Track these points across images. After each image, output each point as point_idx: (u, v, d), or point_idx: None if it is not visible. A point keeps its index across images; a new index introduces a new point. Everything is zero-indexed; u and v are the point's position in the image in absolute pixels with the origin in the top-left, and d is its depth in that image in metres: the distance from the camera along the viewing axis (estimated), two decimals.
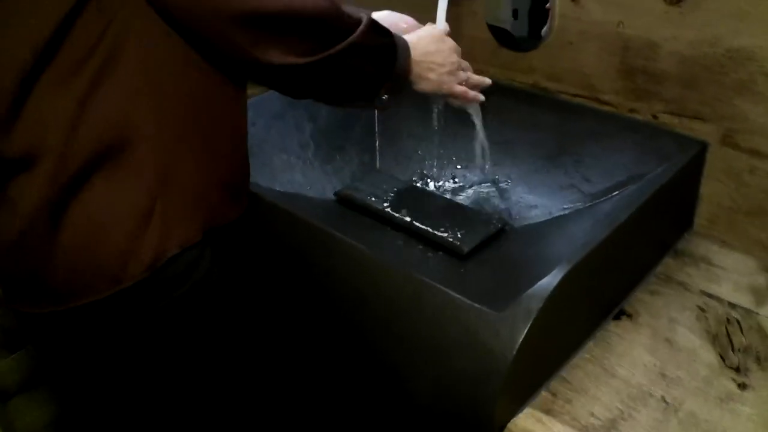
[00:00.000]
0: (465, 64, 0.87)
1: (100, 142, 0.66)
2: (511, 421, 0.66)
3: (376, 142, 1.07)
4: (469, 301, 0.65)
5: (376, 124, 1.08)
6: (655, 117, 0.92)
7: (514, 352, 0.61)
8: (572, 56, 0.96)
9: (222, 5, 0.65)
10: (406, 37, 0.80)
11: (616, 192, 0.87)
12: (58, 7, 0.63)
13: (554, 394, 0.69)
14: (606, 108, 0.96)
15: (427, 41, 0.82)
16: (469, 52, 0.91)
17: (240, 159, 0.79)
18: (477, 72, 0.87)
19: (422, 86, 0.82)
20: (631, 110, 0.93)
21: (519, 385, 0.66)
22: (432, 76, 0.82)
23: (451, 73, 0.83)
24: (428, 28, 0.85)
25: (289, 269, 0.83)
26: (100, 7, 0.64)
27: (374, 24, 0.73)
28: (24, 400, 1.43)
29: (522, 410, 0.67)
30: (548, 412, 0.67)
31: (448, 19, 0.88)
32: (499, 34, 1.03)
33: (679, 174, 0.84)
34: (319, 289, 0.80)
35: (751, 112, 0.83)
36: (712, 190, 0.90)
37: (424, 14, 0.89)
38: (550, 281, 0.64)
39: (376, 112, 1.08)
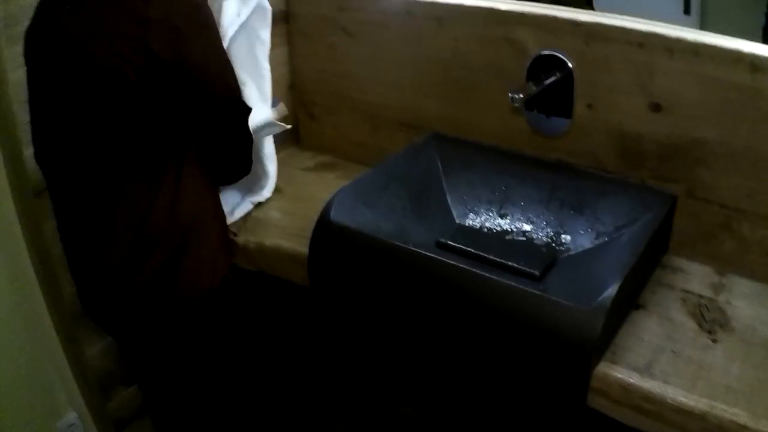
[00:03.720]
0: None
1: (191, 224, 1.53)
2: (595, 369, 1.40)
3: (448, 204, 1.81)
4: (569, 303, 1.38)
5: (447, 195, 1.82)
6: (643, 180, 1.66)
7: (600, 329, 1.33)
8: (586, 141, 1.69)
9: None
10: None
11: (623, 230, 1.62)
12: None
13: (613, 353, 1.42)
14: (610, 175, 1.68)
15: None
16: (509, 136, 1.68)
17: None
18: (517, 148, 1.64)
19: None
20: (627, 176, 1.67)
21: (600, 348, 1.40)
22: None
23: None
24: None
25: (427, 293, 1.54)
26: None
27: None
28: (135, 427, 2.10)
29: (599, 363, 1.41)
30: (613, 361, 1.40)
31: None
32: (535, 124, 1.79)
33: (663, 216, 1.61)
34: (449, 304, 1.51)
35: (705, 176, 1.55)
36: (681, 224, 1.63)
37: None
38: (613, 289, 1.36)
39: (444, 184, 1.82)
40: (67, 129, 1.51)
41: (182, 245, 1.54)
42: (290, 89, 2.24)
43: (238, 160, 1.69)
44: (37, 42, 1.50)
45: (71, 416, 2.07)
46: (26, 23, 1.52)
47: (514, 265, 1.57)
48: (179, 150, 1.52)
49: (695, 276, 1.61)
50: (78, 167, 1.53)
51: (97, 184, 1.52)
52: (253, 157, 1.80)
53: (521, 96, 1.56)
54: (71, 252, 1.63)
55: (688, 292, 1.56)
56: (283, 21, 2.14)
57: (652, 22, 1.60)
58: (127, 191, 1.50)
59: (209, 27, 1.48)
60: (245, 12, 1.75)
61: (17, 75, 1.60)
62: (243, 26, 1.77)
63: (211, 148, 1.58)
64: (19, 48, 1.56)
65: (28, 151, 1.68)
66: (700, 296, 1.55)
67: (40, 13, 1.49)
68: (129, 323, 1.63)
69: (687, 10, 2.19)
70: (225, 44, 1.70)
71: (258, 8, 1.78)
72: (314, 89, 2.22)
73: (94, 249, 1.55)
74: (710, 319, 1.48)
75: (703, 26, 2.18)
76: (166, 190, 1.51)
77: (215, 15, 1.69)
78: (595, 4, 2.12)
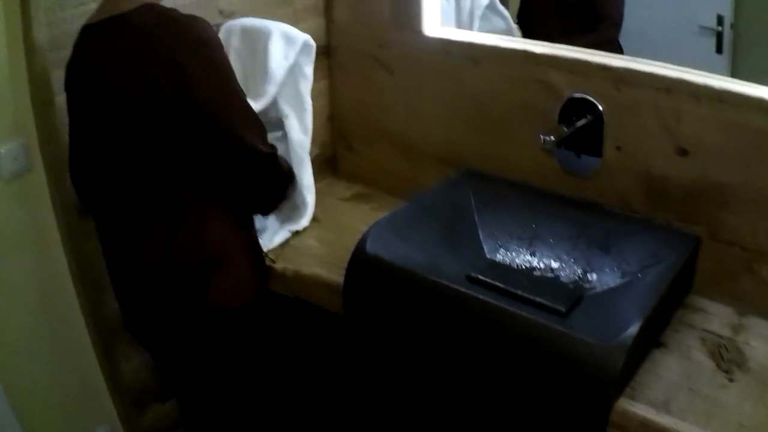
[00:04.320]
0: None
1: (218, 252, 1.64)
2: (615, 404, 1.51)
3: (480, 238, 1.93)
4: (591, 340, 1.49)
5: (479, 230, 1.94)
6: (668, 222, 1.77)
7: (621, 366, 1.43)
8: (614, 182, 1.81)
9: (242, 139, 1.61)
10: None
11: (648, 270, 1.70)
12: None
13: (633, 389, 1.52)
14: (637, 215, 1.80)
15: None
16: (540, 174, 1.81)
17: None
18: (548, 187, 1.77)
19: None
20: (653, 217, 1.78)
21: (621, 384, 1.51)
22: None
23: None
24: None
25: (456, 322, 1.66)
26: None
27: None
28: None
29: (619, 398, 1.52)
30: (632, 397, 1.49)
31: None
32: (565, 164, 1.91)
33: (686, 258, 1.71)
34: (476, 333, 1.63)
35: (727, 219, 1.66)
36: (704, 265, 1.73)
37: None
38: (634, 328, 1.47)
39: (476, 219, 1.94)
40: (96, 157, 1.67)
41: (209, 270, 1.67)
42: (329, 120, 2.38)
43: (260, 199, 1.78)
44: (71, 75, 1.65)
45: (104, 429, 2.19)
46: (70, 49, 1.65)
47: (542, 301, 1.69)
48: (203, 183, 1.65)
49: (716, 316, 1.72)
50: (108, 193, 1.69)
51: (126, 209, 1.68)
52: (293, 188, 1.94)
53: (552, 138, 1.69)
54: (111, 270, 1.79)
55: (708, 331, 1.66)
56: (324, 55, 2.28)
57: (680, 68, 1.71)
58: (156, 218, 1.65)
59: (218, 65, 1.57)
60: (292, 54, 1.89)
61: (62, 98, 1.72)
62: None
63: (232, 186, 1.68)
64: (62, 73, 1.68)
65: None
66: (720, 336, 1.65)
67: (75, 47, 1.64)
68: (162, 339, 1.79)
69: (719, 50, 2.28)
70: (274, 89, 1.86)
71: (304, 46, 1.92)
72: (352, 121, 2.36)
73: (128, 270, 1.72)
74: (728, 359, 1.58)
75: (735, 65, 2.27)
76: (192, 220, 1.65)
77: (261, 56, 1.84)
78: (628, 43, 2.22)
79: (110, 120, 1.58)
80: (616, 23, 2.22)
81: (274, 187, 1.75)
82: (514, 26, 2.26)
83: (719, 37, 2.24)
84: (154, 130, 1.55)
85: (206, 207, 1.65)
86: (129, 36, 1.53)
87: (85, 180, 1.74)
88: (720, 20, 2.20)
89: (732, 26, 2.21)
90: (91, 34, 1.60)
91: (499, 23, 2.25)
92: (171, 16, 1.54)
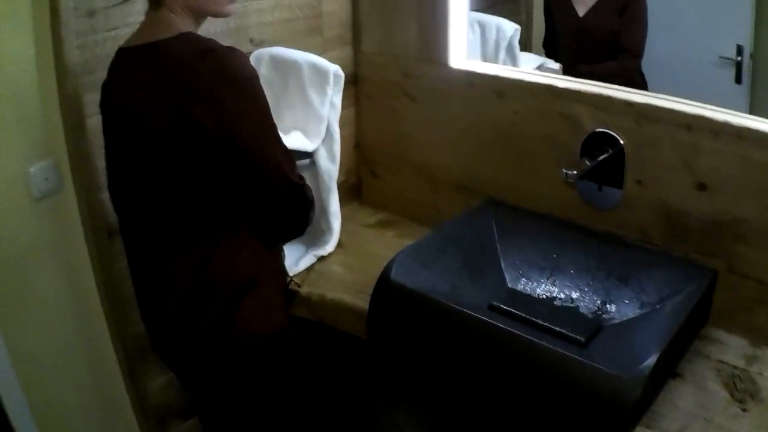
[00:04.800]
0: None
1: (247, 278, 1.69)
2: None
3: (501, 268, 2.01)
4: (609, 370, 1.56)
5: (501, 259, 2.02)
6: (686, 254, 1.84)
7: (638, 396, 1.49)
8: (634, 215, 1.88)
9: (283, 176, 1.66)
10: None
11: (666, 302, 1.77)
12: None
13: (650, 418, 1.59)
14: (656, 248, 1.87)
15: None
16: (561, 205, 1.89)
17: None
18: (569, 218, 1.85)
19: None
20: (672, 250, 1.85)
21: (637, 414, 1.59)
22: None
23: None
24: None
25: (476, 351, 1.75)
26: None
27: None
28: None
29: (636, 427, 1.60)
30: (649, 426, 1.56)
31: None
32: (587, 196, 1.99)
33: (704, 290, 1.77)
34: (500, 363, 1.71)
35: (744, 252, 1.73)
36: (720, 297, 1.80)
37: None
38: (652, 359, 1.54)
39: (498, 248, 2.02)
40: (127, 179, 1.73)
41: (237, 296, 1.69)
42: (355, 148, 2.48)
43: (288, 228, 1.82)
44: (104, 96, 1.70)
45: None
46: (101, 72, 1.68)
47: (562, 330, 1.75)
48: (234, 211, 1.70)
49: (731, 347, 1.78)
50: (141, 218, 1.74)
51: (158, 235, 1.72)
52: (320, 215, 2.02)
53: (575, 173, 1.77)
54: (139, 293, 1.85)
55: (723, 362, 1.73)
56: (352, 83, 2.38)
57: (700, 104, 1.79)
58: (186, 243, 1.69)
59: (256, 99, 1.59)
60: (329, 90, 1.99)
61: (93, 120, 1.79)
62: None
63: (261, 215, 1.72)
64: (94, 95, 1.74)
65: (103, 194, 1.88)
66: (734, 367, 1.71)
67: (110, 71, 1.69)
68: (188, 363, 1.84)
69: (738, 80, 2.35)
70: (324, 127, 1.99)
71: (334, 76, 2.02)
72: (378, 149, 2.45)
73: (157, 294, 1.76)
74: (742, 389, 1.65)
75: (754, 95, 2.33)
76: (223, 247, 1.69)
77: (296, 91, 1.93)
78: (649, 72, 2.30)
79: (139, 145, 1.62)
80: (637, 55, 2.30)
81: (300, 214, 1.78)
82: (523, 66, 2.34)
83: (738, 67, 2.30)
84: (182, 157, 1.60)
85: (236, 233, 1.69)
86: (165, 64, 1.57)
87: (117, 200, 1.79)
88: (740, 50, 2.25)
89: (751, 56, 2.27)
90: (125, 59, 1.64)
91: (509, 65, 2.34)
92: (209, 47, 1.54)
